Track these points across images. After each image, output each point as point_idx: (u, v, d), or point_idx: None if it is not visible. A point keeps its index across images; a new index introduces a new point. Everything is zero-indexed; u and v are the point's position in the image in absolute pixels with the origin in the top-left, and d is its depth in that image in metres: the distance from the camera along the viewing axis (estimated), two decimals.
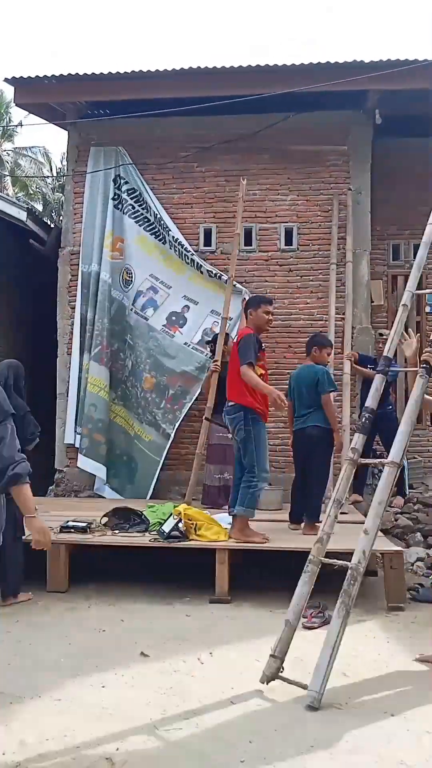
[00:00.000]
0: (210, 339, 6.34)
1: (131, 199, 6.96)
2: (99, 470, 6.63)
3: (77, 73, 6.58)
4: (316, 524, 4.66)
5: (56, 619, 3.99)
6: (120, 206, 6.96)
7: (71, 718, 2.72)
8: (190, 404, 6.62)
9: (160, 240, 6.85)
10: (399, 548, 4.48)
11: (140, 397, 6.72)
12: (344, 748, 2.51)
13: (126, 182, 6.97)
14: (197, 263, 6.66)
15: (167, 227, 6.77)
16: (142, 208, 6.92)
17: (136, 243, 6.92)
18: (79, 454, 6.63)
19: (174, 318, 6.80)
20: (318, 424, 4.98)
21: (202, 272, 6.67)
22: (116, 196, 6.97)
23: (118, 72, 6.51)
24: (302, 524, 5.04)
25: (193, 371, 6.63)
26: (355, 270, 6.69)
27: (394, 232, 7.23)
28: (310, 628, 3.84)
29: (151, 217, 6.86)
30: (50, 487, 6.92)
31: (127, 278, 6.90)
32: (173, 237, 6.73)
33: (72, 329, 6.98)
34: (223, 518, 5.05)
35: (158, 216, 6.82)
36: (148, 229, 6.90)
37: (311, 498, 5.05)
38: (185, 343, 6.71)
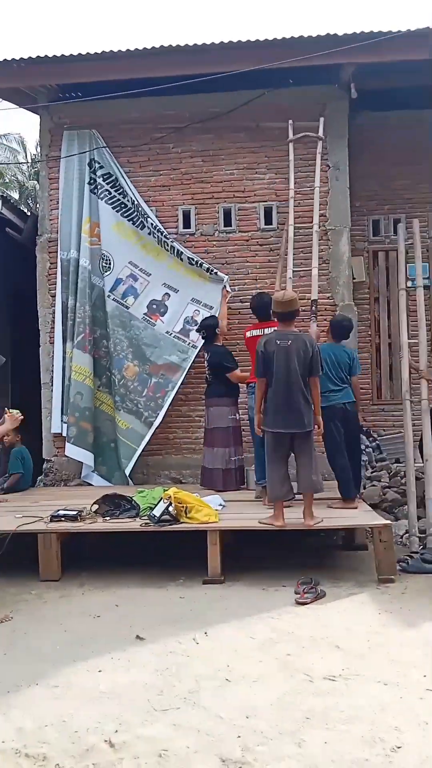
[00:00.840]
0: (199, 327, 6.30)
1: (107, 183, 6.87)
2: (87, 458, 6.61)
3: (46, 56, 6.43)
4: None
5: (50, 608, 4.00)
6: (96, 191, 6.87)
7: (69, 703, 2.74)
8: (173, 392, 6.61)
9: (137, 226, 6.78)
10: (388, 521, 4.53)
11: (120, 384, 6.70)
12: (339, 718, 2.56)
13: (101, 166, 6.88)
14: (177, 250, 6.61)
15: (145, 213, 6.70)
16: (119, 193, 6.83)
17: (114, 229, 6.83)
18: (66, 443, 6.61)
19: (155, 306, 6.76)
20: (353, 400, 5.17)
21: (182, 259, 6.62)
22: (92, 181, 6.87)
23: (88, 53, 6.37)
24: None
25: (176, 360, 6.62)
26: (335, 247, 6.67)
27: (373, 208, 7.20)
28: (303, 604, 3.89)
29: (128, 202, 6.79)
30: (39, 477, 6.90)
31: (105, 265, 6.83)
32: (152, 223, 6.67)
33: (53, 318, 6.91)
34: (213, 500, 5.08)
35: (135, 202, 6.74)
36: (125, 214, 6.82)
37: (357, 471, 5.25)
38: (167, 332, 6.68)
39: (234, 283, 6.70)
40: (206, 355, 6.18)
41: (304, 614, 3.76)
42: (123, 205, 6.82)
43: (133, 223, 6.79)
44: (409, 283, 7.16)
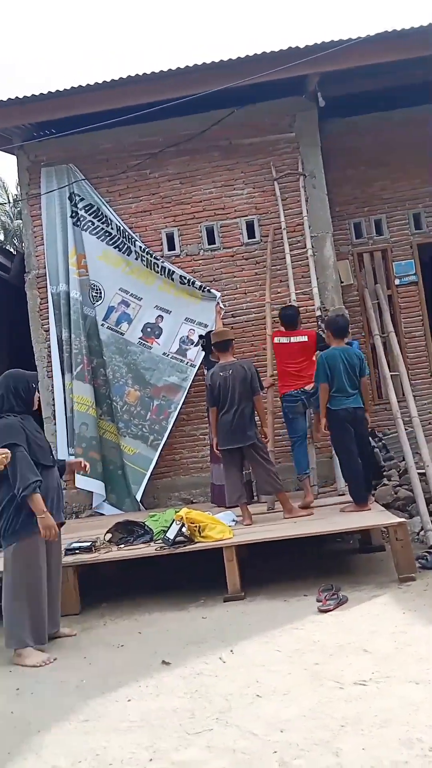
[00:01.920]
0: (202, 334, 6.40)
1: (89, 215, 6.95)
2: (99, 487, 6.61)
3: (17, 97, 6.53)
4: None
5: (73, 641, 3.96)
6: (78, 223, 6.95)
7: (100, 736, 2.71)
8: (176, 413, 6.64)
9: (124, 252, 6.85)
10: (402, 519, 4.51)
11: (122, 411, 6.72)
12: (374, 722, 2.53)
13: (81, 198, 6.96)
14: (168, 270, 6.68)
15: (132, 237, 6.78)
16: (102, 223, 6.91)
17: (100, 259, 6.90)
18: (76, 475, 6.60)
19: (149, 329, 6.81)
20: (362, 405, 5.16)
21: (173, 279, 6.68)
22: (74, 214, 6.95)
23: (57, 90, 6.47)
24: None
25: (176, 381, 6.66)
26: (320, 253, 6.73)
27: (353, 211, 7.27)
28: (326, 611, 3.86)
29: (113, 230, 6.86)
30: None
31: (95, 294, 6.89)
32: (140, 246, 6.75)
33: (49, 352, 6.95)
34: (226, 516, 5.07)
35: (120, 228, 6.82)
36: (110, 243, 6.90)
37: (369, 474, 5.30)
38: (164, 354, 6.72)
39: (224, 298, 6.75)
40: (207, 370, 6.11)
41: (328, 622, 3.73)
42: (107, 234, 6.90)
43: (120, 250, 6.87)
44: (398, 281, 7.25)
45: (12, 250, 10.09)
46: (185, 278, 6.64)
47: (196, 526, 4.59)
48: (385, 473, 6.33)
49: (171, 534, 4.57)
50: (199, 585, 4.60)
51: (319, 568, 4.79)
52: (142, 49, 42.21)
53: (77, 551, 4.69)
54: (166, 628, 3.99)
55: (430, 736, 2.39)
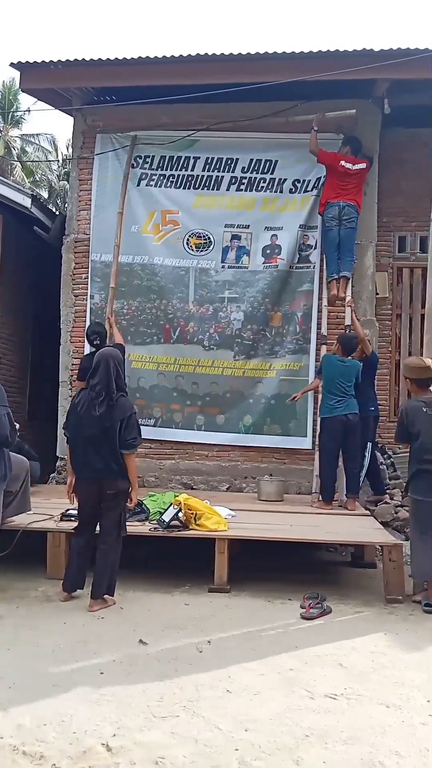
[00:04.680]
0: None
1: (166, 170, 6.88)
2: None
3: (83, 59, 6.52)
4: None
5: (55, 606, 4.01)
6: (153, 183, 6.89)
7: (68, 704, 2.74)
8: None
9: (214, 189, 6.83)
10: (398, 541, 4.48)
11: (273, 335, 6.70)
12: (339, 738, 2.52)
13: (149, 157, 6.89)
14: (269, 181, 6.71)
15: (217, 167, 6.77)
16: (183, 170, 6.85)
17: (196, 207, 6.85)
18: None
19: (269, 251, 6.79)
20: (355, 411, 5.70)
21: (274, 192, 6.70)
22: (144, 176, 6.91)
23: (124, 58, 6.45)
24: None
25: (308, 287, 6.69)
26: (360, 261, 6.65)
27: (400, 224, 7.17)
28: (308, 619, 3.86)
29: (196, 171, 6.82)
30: (51, 475, 6.94)
31: (199, 242, 6.84)
32: (232, 176, 6.74)
33: (74, 317, 6.98)
34: (223, 509, 5.07)
35: (208, 162, 6.78)
36: (198, 186, 6.86)
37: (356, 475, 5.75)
38: (290, 267, 6.72)
39: None
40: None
41: (308, 629, 3.73)
42: (192, 178, 6.86)
43: (209, 189, 6.84)
44: None
45: (54, 209, 10.08)
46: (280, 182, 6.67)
47: (192, 513, 4.61)
48: (387, 491, 6.29)
49: (167, 517, 4.59)
50: (186, 571, 4.62)
51: (308, 574, 4.78)
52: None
53: (72, 518, 4.71)
54: (148, 608, 4.02)
55: (393, 762, 2.38)
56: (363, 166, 6.34)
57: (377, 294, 6.89)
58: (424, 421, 4.26)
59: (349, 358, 5.80)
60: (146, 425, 6.67)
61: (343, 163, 6.32)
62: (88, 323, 6.87)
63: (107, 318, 6.58)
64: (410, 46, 6.01)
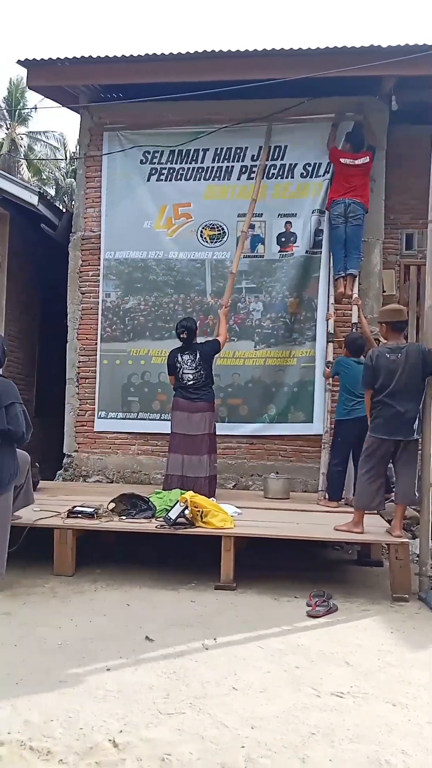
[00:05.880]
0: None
1: (176, 163, 6.89)
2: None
3: (90, 56, 6.52)
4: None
5: (62, 603, 4.03)
6: (163, 178, 6.90)
7: (75, 700, 2.76)
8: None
9: (224, 179, 6.83)
10: (405, 540, 4.47)
11: (292, 322, 6.70)
12: (345, 736, 2.52)
13: (158, 152, 6.90)
14: (280, 168, 6.71)
15: (227, 157, 6.78)
16: (193, 162, 6.87)
17: (207, 198, 6.86)
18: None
19: (284, 239, 6.80)
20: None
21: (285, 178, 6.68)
22: (153, 171, 6.92)
23: (131, 55, 6.45)
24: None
25: (324, 274, 6.65)
26: (367, 258, 6.63)
27: (408, 221, 7.13)
28: (314, 617, 3.86)
29: (205, 163, 6.83)
30: (59, 472, 6.97)
31: (213, 233, 6.85)
32: (242, 166, 6.74)
33: (81, 314, 6.99)
34: (229, 507, 5.07)
35: (216, 153, 6.79)
36: (209, 178, 6.86)
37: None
38: (306, 252, 6.71)
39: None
40: (190, 356, 5.77)
41: (314, 627, 3.73)
42: (201, 170, 6.86)
43: (221, 179, 6.84)
44: None
45: (61, 207, 10.11)
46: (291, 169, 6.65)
47: (199, 511, 4.61)
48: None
49: (173, 514, 4.60)
50: (192, 568, 4.63)
51: (314, 573, 4.78)
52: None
53: (79, 515, 4.74)
54: (154, 605, 4.03)
55: (399, 760, 2.38)
56: (366, 159, 6.38)
57: (384, 292, 6.87)
58: (384, 365, 4.53)
59: (362, 358, 5.74)
60: (169, 420, 6.66)
61: (343, 160, 6.38)
62: (99, 320, 6.89)
63: (223, 308, 6.29)
64: (417, 42, 5.97)
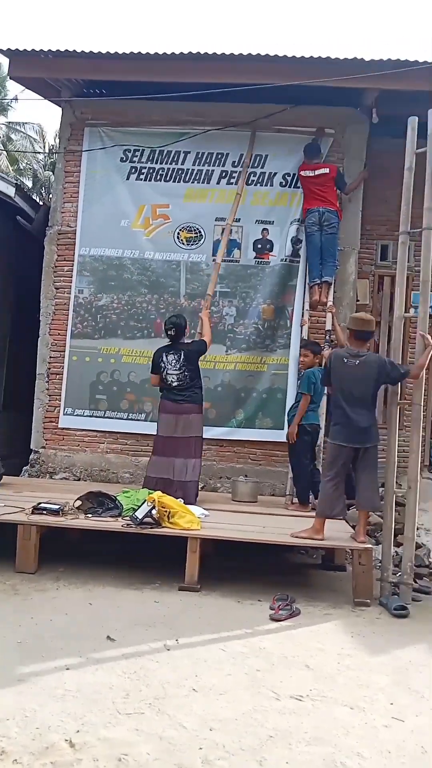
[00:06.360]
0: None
1: (156, 163, 6.83)
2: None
3: (74, 50, 6.44)
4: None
5: (23, 600, 3.97)
6: (143, 177, 6.84)
7: (33, 699, 2.72)
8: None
9: (204, 182, 6.80)
10: (368, 545, 4.53)
11: (265, 329, 6.67)
12: (303, 738, 2.54)
13: (139, 151, 6.83)
14: (259, 176, 6.72)
15: (208, 160, 6.77)
16: (173, 163, 6.82)
17: (186, 200, 6.80)
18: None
19: (260, 246, 6.76)
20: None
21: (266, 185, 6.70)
22: (133, 170, 6.87)
23: (116, 52, 6.39)
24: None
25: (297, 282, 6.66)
26: (343, 268, 6.70)
27: (383, 233, 7.22)
28: (277, 620, 3.88)
29: (186, 165, 6.79)
30: (25, 468, 6.87)
31: (190, 236, 6.80)
32: (222, 171, 6.74)
33: (54, 309, 6.92)
34: (197, 508, 5.07)
35: (197, 156, 6.78)
36: (189, 180, 6.82)
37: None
38: (282, 260, 6.69)
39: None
40: (174, 356, 5.63)
41: (276, 630, 3.75)
42: (182, 172, 6.82)
43: (200, 182, 6.81)
44: (413, 311, 7.22)
45: (38, 200, 9.98)
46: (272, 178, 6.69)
47: (166, 511, 4.60)
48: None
49: (140, 514, 4.57)
50: (157, 568, 4.61)
51: (278, 576, 4.80)
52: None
53: (44, 512, 4.68)
54: (117, 604, 4.00)
55: (354, 763, 2.41)
56: (326, 171, 6.41)
57: (358, 301, 6.95)
58: (339, 368, 4.65)
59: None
60: (137, 420, 6.66)
61: (302, 172, 6.49)
62: (70, 316, 6.81)
63: (204, 309, 6.21)
64: (401, 57, 6.07)
